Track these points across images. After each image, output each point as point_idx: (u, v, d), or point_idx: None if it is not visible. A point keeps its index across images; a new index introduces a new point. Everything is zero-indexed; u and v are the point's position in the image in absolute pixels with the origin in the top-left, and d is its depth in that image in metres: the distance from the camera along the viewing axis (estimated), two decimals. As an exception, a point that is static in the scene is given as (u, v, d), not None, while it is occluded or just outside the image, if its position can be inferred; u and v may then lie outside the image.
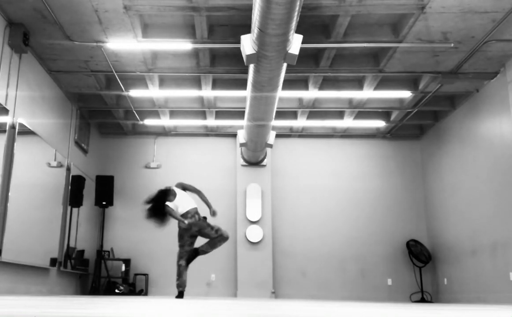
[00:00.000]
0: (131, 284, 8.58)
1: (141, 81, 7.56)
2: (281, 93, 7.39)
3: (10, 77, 5.86)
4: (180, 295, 5.64)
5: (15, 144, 5.78)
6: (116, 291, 8.19)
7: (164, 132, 9.55)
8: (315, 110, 8.40)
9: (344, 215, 9.35)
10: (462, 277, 7.88)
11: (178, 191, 5.82)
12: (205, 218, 5.79)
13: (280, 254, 9.09)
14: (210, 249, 5.73)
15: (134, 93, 7.63)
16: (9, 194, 5.63)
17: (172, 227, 9.15)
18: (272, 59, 5.10)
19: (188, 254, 5.71)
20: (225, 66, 6.91)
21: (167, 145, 9.62)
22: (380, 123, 8.78)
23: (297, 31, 5.21)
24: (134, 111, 8.38)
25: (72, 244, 7.66)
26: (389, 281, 9.05)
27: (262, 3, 4.17)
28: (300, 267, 9.07)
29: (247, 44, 5.12)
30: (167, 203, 5.71)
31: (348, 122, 8.78)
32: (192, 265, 8.94)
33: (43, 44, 6.30)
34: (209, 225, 5.67)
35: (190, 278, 8.99)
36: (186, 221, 5.58)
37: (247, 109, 6.80)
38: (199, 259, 8.88)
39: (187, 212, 5.67)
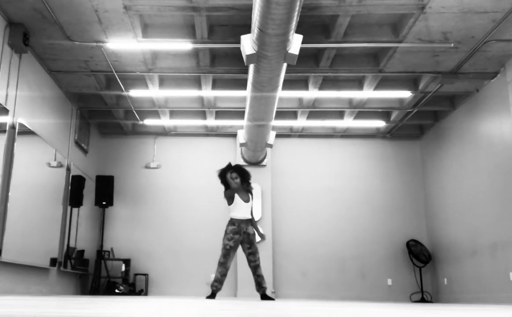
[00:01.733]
0: (131, 284, 8.58)
1: (141, 81, 7.56)
2: (281, 93, 7.38)
3: (10, 77, 5.86)
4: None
5: (15, 144, 5.78)
6: (116, 291, 8.20)
7: (164, 132, 9.55)
8: (315, 110, 8.40)
9: (344, 215, 9.35)
10: (462, 277, 7.88)
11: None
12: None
13: (280, 254, 9.09)
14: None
15: (134, 93, 7.63)
16: (9, 194, 5.63)
17: (170, 227, 9.19)
18: (272, 59, 5.10)
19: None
20: (225, 66, 6.91)
21: (167, 145, 9.62)
22: (380, 123, 8.78)
23: (297, 31, 5.20)
24: (134, 111, 8.38)
25: (72, 244, 7.66)
26: (389, 281, 9.05)
27: (262, 3, 4.17)
28: (300, 267, 9.07)
29: (247, 44, 5.12)
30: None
31: (348, 122, 8.78)
32: (192, 265, 8.97)
33: (43, 44, 6.30)
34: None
35: (190, 278, 9.02)
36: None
37: (247, 109, 6.81)
38: (199, 259, 8.89)
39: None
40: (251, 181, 5.76)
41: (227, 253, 5.48)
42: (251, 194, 5.70)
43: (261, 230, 5.71)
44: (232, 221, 5.59)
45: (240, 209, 5.58)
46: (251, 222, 5.62)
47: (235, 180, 5.58)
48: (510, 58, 6.57)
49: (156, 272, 8.95)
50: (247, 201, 5.59)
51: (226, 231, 5.58)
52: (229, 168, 5.68)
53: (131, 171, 9.45)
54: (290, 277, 9.03)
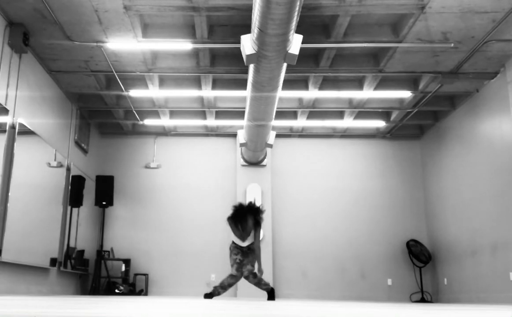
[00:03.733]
0: (131, 284, 8.57)
1: (141, 81, 7.56)
2: (281, 93, 7.38)
3: (10, 77, 5.86)
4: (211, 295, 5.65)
5: (15, 144, 5.78)
6: (116, 291, 8.19)
7: (164, 132, 9.55)
8: (315, 110, 8.40)
9: (344, 215, 9.35)
10: (462, 277, 7.88)
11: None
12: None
13: (280, 254, 9.09)
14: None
15: (134, 93, 7.63)
16: (9, 194, 5.63)
17: (170, 227, 9.19)
18: (272, 59, 5.10)
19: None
20: (225, 66, 6.91)
21: (167, 145, 9.62)
22: (380, 123, 8.78)
23: (297, 31, 5.21)
24: (134, 111, 8.38)
25: (72, 244, 7.66)
26: (389, 281, 9.05)
27: (262, 3, 4.17)
28: (300, 267, 9.07)
29: (247, 44, 5.12)
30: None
31: (348, 122, 8.78)
32: (192, 265, 8.97)
33: (43, 44, 6.30)
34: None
35: (190, 278, 9.02)
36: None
37: (247, 109, 6.81)
38: (199, 259, 8.90)
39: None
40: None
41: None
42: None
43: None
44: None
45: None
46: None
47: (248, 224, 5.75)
48: (510, 58, 6.57)
49: (156, 272, 8.95)
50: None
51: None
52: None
53: (131, 171, 9.45)
54: (290, 277, 9.02)
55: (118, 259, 8.66)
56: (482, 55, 6.48)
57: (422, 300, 8.62)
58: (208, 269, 8.83)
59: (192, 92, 7.64)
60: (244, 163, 9.26)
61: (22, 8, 5.53)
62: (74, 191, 7.79)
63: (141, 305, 2.83)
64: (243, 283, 8.64)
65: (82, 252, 8.19)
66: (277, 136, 9.20)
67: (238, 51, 5.92)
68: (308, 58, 6.81)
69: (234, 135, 9.47)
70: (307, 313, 2.23)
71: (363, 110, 8.34)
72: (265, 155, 9.20)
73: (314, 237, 9.22)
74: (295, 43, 5.07)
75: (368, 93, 7.57)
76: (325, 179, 9.51)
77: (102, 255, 8.33)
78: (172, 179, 9.44)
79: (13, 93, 5.93)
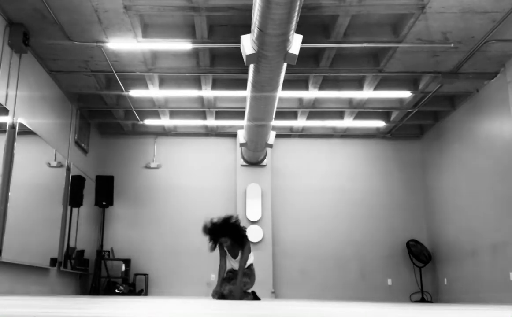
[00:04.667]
0: (131, 284, 8.57)
1: (141, 81, 7.56)
2: (281, 93, 7.38)
3: (10, 77, 5.85)
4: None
5: (15, 144, 5.78)
6: (116, 291, 8.19)
7: (164, 132, 9.55)
8: (315, 110, 8.40)
9: (344, 215, 9.35)
10: (462, 277, 7.88)
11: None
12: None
13: (280, 254, 9.09)
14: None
15: (134, 93, 7.63)
16: (9, 194, 5.63)
17: (170, 227, 9.19)
18: (272, 59, 5.10)
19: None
20: (225, 66, 6.91)
21: (167, 145, 9.62)
22: (380, 123, 8.78)
23: (297, 31, 5.20)
24: (134, 111, 8.38)
25: (72, 244, 7.66)
26: (389, 281, 9.05)
27: (262, 3, 4.17)
28: (300, 267, 9.07)
29: (247, 44, 5.12)
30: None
31: (348, 122, 8.78)
32: (192, 265, 8.97)
33: (43, 44, 6.30)
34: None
35: (190, 278, 9.02)
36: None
37: (247, 109, 6.81)
38: (199, 259, 8.90)
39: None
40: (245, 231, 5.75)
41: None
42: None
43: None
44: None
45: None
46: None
47: (226, 244, 5.65)
48: (510, 58, 6.57)
49: (156, 272, 8.95)
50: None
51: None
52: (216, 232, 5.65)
53: (131, 171, 9.45)
54: (290, 277, 9.02)
55: (118, 259, 8.66)
56: (482, 55, 6.48)
57: (422, 300, 8.62)
58: (208, 269, 8.82)
59: (192, 92, 7.64)
60: (244, 163, 9.26)
61: (22, 8, 5.53)
62: (74, 191, 7.79)
63: (141, 305, 2.83)
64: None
65: (82, 252, 8.19)
66: (277, 136, 9.20)
67: (238, 51, 5.92)
68: (308, 58, 6.81)
69: (234, 135, 9.47)
70: (307, 313, 2.23)
71: (363, 110, 8.34)
72: (265, 155, 9.21)
73: (314, 237, 9.22)
74: (295, 43, 5.07)
75: (368, 93, 7.57)
76: (325, 179, 9.51)
77: (102, 255, 8.33)
78: (172, 179, 9.45)
79: (13, 93, 5.93)
